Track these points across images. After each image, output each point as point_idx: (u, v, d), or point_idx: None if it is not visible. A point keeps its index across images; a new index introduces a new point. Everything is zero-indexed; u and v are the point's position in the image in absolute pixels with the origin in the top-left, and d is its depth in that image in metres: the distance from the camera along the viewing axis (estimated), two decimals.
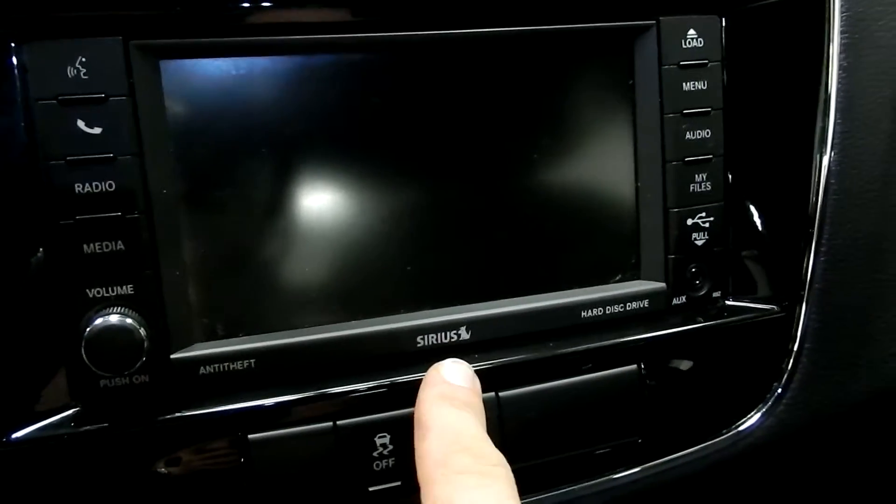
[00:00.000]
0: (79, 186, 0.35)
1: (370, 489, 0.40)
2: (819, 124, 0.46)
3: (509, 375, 0.42)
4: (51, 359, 0.36)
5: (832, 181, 0.46)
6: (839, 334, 0.49)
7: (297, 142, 0.39)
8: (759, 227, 0.48)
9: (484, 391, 0.41)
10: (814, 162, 0.46)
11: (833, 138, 0.46)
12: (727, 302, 0.48)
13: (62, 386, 0.37)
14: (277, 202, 0.39)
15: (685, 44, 0.44)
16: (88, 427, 0.36)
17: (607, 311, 0.44)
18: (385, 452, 0.39)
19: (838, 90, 0.45)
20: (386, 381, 0.40)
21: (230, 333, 0.39)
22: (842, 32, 0.45)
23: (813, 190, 0.46)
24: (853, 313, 0.49)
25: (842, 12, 0.45)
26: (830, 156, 0.46)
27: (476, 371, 0.41)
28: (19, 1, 0.34)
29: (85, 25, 0.35)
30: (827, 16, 0.45)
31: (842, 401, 0.51)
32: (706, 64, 0.44)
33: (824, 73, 0.45)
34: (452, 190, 0.42)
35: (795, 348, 0.48)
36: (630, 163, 0.45)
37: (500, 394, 0.41)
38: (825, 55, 0.45)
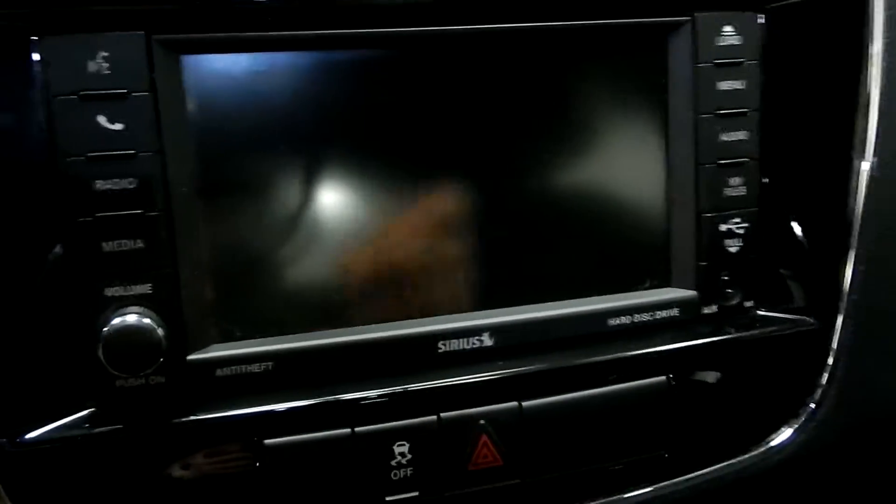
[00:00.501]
0: (98, 183, 0.35)
1: (387, 499, 0.39)
2: (860, 127, 0.44)
3: (533, 384, 0.40)
4: (67, 358, 0.36)
5: (873, 187, 0.44)
6: (877, 348, 0.47)
7: (318, 140, 0.38)
8: (795, 234, 0.46)
9: (506, 400, 0.40)
10: (854, 166, 0.44)
11: (875, 141, 0.44)
12: (760, 312, 0.46)
13: (77, 386, 0.36)
14: (297, 202, 0.38)
15: (721, 41, 0.42)
16: (103, 428, 0.36)
17: (635, 320, 0.43)
18: (403, 461, 0.38)
19: (881, 92, 0.44)
20: (406, 388, 0.39)
21: (248, 335, 0.38)
22: (885, 32, 0.43)
23: (852, 196, 0.44)
24: (892, 326, 0.47)
25: (885, 10, 0.43)
26: (872, 161, 0.44)
27: (498, 379, 0.40)
28: None
29: (106, 20, 0.34)
30: (869, 14, 0.43)
31: (878, 417, 0.49)
32: (743, 62, 0.43)
33: (865, 74, 0.44)
34: (477, 192, 0.41)
35: (831, 362, 0.46)
36: (662, 165, 0.43)
37: (523, 403, 0.40)
38: (866, 55, 0.43)
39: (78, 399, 0.36)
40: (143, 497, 0.37)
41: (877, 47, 0.43)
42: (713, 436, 0.45)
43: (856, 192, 0.44)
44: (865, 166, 0.44)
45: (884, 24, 0.43)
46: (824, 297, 0.46)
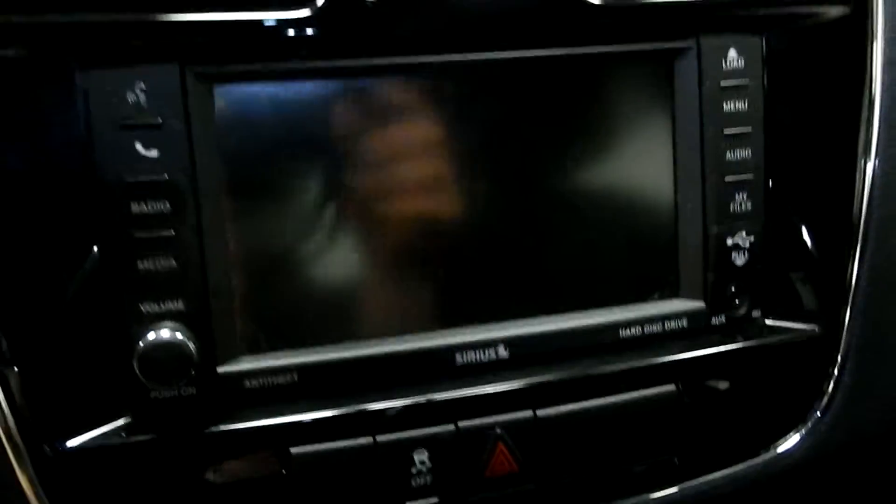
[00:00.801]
0: (135, 206, 0.37)
1: None
2: (862, 138, 0.45)
3: (547, 394, 0.42)
4: (104, 370, 0.38)
5: (875, 196, 0.45)
6: (882, 354, 0.48)
7: (342, 163, 0.40)
8: (801, 246, 0.47)
9: (521, 409, 0.41)
10: (857, 177, 0.45)
11: (877, 151, 0.45)
12: (767, 321, 0.48)
13: (114, 397, 0.38)
14: (322, 222, 0.40)
15: (726, 64, 0.44)
16: (138, 437, 0.38)
17: (645, 330, 0.44)
18: (423, 469, 0.40)
19: (881, 106, 0.45)
20: (425, 398, 0.40)
21: (274, 347, 0.40)
22: (885, 51, 0.44)
23: (856, 206, 0.46)
24: None
25: (885, 32, 0.44)
26: (874, 170, 0.45)
27: (514, 390, 0.41)
28: (85, 30, 0.36)
29: (144, 53, 0.36)
30: (870, 34, 0.44)
31: (885, 422, 0.50)
32: (747, 83, 0.44)
33: (867, 91, 0.45)
34: (493, 208, 0.42)
35: (837, 369, 0.47)
36: (670, 181, 0.44)
37: (538, 412, 0.41)
38: (868, 74, 0.45)
39: (114, 409, 0.38)
40: (175, 502, 0.39)
41: (878, 66, 0.45)
42: (723, 441, 0.47)
43: (860, 202, 0.45)
44: (868, 176, 0.45)
45: (885, 44, 0.44)
46: (830, 305, 0.47)
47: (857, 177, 0.45)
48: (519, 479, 0.41)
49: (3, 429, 0.36)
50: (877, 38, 0.44)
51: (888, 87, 0.45)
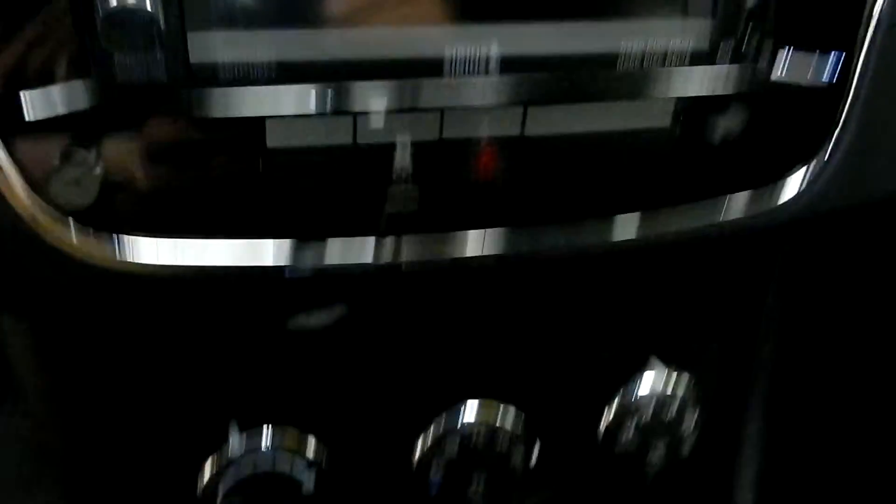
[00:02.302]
0: None
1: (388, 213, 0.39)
2: None
3: (537, 98, 0.39)
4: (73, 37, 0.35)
5: None
6: (889, 116, 0.46)
7: None
8: None
9: (511, 115, 0.39)
10: None
11: None
12: (776, 72, 0.44)
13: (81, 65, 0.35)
14: None
15: None
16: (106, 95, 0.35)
17: (648, 46, 0.41)
18: (404, 175, 0.38)
19: None
20: (409, 89, 0.38)
21: (250, 23, 0.36)
22: None
23: None
24: None
25: None
26: None
27: (503, 87, 0.39)
28: None
29: None
30: None
31: (886, 186, 0.49)
32: None
33: None
34: None
35: (840, 124, 0.45)
36: None
37: (528, 108, 0.39)
38: None
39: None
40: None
41: None
42: (718, 182, 0.45)
43: None
44: None
45: None
46: (841, 57, 0.44)
47: None
48: (503, 190, 0.40)
49: None
50: None
51: None
